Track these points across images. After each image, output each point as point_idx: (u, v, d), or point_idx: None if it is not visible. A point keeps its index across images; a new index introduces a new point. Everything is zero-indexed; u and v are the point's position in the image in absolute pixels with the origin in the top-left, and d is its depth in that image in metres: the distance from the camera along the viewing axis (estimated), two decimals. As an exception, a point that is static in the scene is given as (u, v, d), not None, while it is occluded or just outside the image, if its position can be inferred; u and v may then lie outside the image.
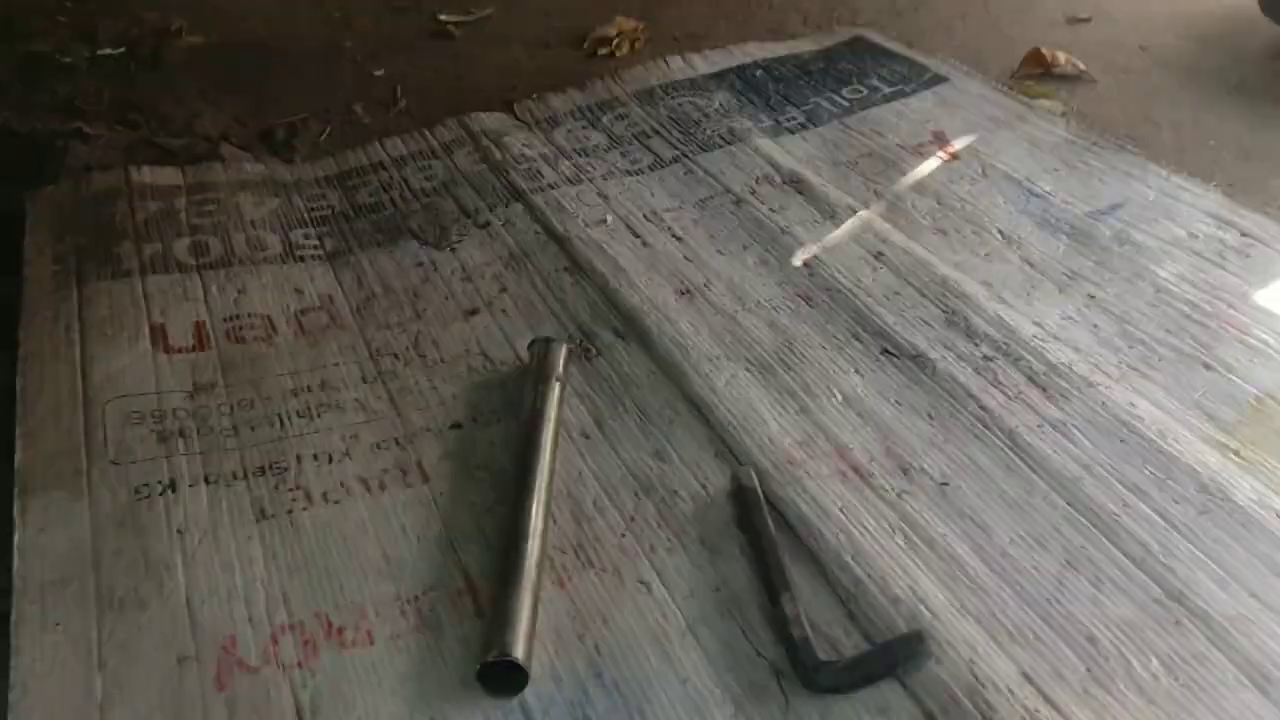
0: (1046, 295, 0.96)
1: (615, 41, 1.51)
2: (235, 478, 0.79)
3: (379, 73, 1.49)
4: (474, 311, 0.97)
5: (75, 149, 1.20)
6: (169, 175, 1.16)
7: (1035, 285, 0.97)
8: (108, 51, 1.55)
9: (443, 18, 1.62)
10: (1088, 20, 1.52)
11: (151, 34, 1.59)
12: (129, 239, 1.04)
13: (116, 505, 0.75)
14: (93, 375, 0.86)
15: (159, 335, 0.92)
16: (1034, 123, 1.24)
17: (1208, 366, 0.87)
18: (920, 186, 1.14)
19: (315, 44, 1.59)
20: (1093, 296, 0.95)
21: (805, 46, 1.46)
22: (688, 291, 0.98)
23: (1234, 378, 0.86)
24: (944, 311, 0.94)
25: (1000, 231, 1.05)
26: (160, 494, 0.76)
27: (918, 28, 1.53)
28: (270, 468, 0.80)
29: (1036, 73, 1.38)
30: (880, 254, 1.02)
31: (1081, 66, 1.38)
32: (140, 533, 0.73)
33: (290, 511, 0.76)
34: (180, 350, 0.91)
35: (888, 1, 1.63)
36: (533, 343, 0.89)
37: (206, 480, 0.78)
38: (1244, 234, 1.03)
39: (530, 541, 0.71)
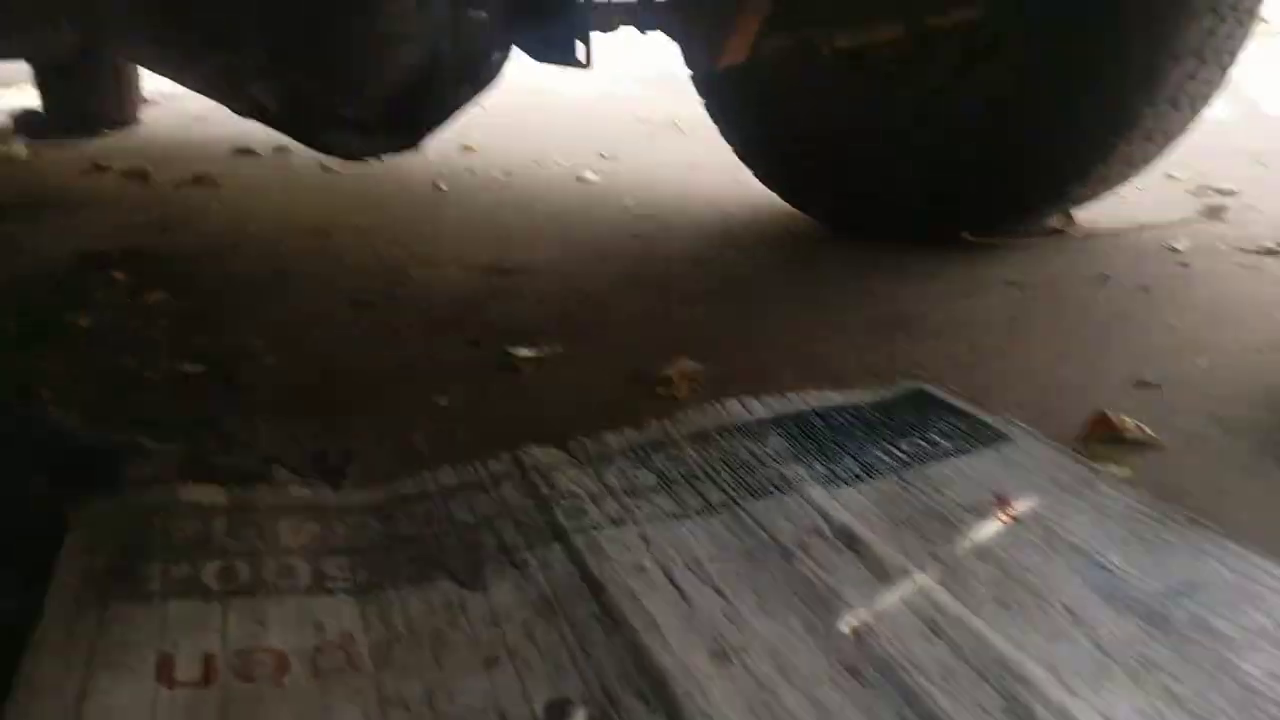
0: (1118, 685, 0.87)
1: (676, 382, 1.53)
2: (210, 839, 0.72)
3: (443, 402, 1.51)
4: (496, 661, 0.91)
5: (131, 464, 1.22)
6: (213, 495, 1.16)
7: (1105, 672, 0.89)
8: (188, 369, 1.61)
9: (512, 352, 1.67)
10: (1157, 386, 1.50)
11: (233, 354, 1.66)
12: (158, 560, 1.02)
13: None
14: (87, 710, 0.82)
15: (166, 667, 0.88)
16: (1101, 490, 1.19)
17: (1306, 783, 0.77)
18: (980, 551, 1.08)
19: (387, 371, 1.65)
20: (1170, 690, 0.87)
21: (865, 397, 1.46)
22: (724, 655, 0.91)
23: (1337, 800, 0.75)
24: (1004, 698, 0.86)
25: (1066, 607, 0.98)
26: None
27: (981, 384, 1.52)
28: (252, 828, 0.73)
29: (1103, 437, 1.34)
30: (936, 625, 0.96)
31: (1150, 433, 1.34)
32: None
33: None
34: (184, 684, 0.86)
35: (952, 357, 1.64)
36: (550, 705, 0.83)
37: (177, 841, 0.71)
38: (1337, 626, 0.95)
39: None
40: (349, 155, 1.28)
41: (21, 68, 4.13)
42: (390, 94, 1.24)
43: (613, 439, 1.36)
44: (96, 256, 2.23)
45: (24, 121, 3.93)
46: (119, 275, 2.11)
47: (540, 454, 1.31)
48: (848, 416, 1.40)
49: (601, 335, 1.77)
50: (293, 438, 1.38)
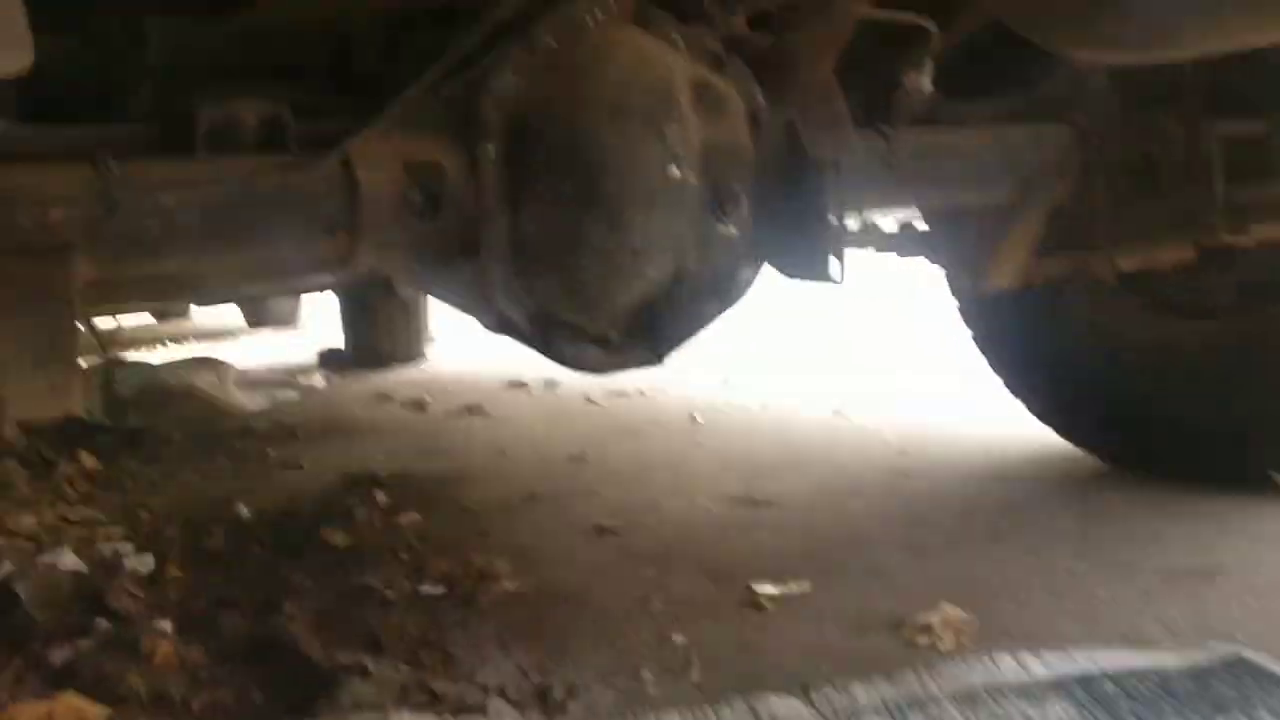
0: None
1: (937, 630, 1.36)
2: None
3: (679, 639, 1.41)
4: None
5: (350, 684, 1.18)
6: (425, 725, 1.10)
7: None
8: (428, 589, 1.59)
9: (755, 588, 1.56)
10: None
11: (473, 576, 1.63)
12: (355, 794, 0.95)
13: None
14: None
15: None
16: None
17: None
18: None
19: (625, 600, 1.57)
20: None
21: (1169, 661, 1.23)
22: None
23: None
24: None
25: None
26: None
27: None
28: None
29: None
30: None
31: None
32: None
33: None
34: None
35: (1273, 619, 1.39)
36: None
37: None
38: None
39: None
40: (592, 370, 1.25)
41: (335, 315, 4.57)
42: (635, 309, 1.21)
43: (862, 692, 1.20)
44: (364, 478, 2.31)
45: (326, 357, 4.31)
46: (381, 496, 2.17)
47: (779, 704, 1.17)
48: (1149, 683, 1.18)
49: (854, 575, 1.63)
50: (518, 667, 1.31)
